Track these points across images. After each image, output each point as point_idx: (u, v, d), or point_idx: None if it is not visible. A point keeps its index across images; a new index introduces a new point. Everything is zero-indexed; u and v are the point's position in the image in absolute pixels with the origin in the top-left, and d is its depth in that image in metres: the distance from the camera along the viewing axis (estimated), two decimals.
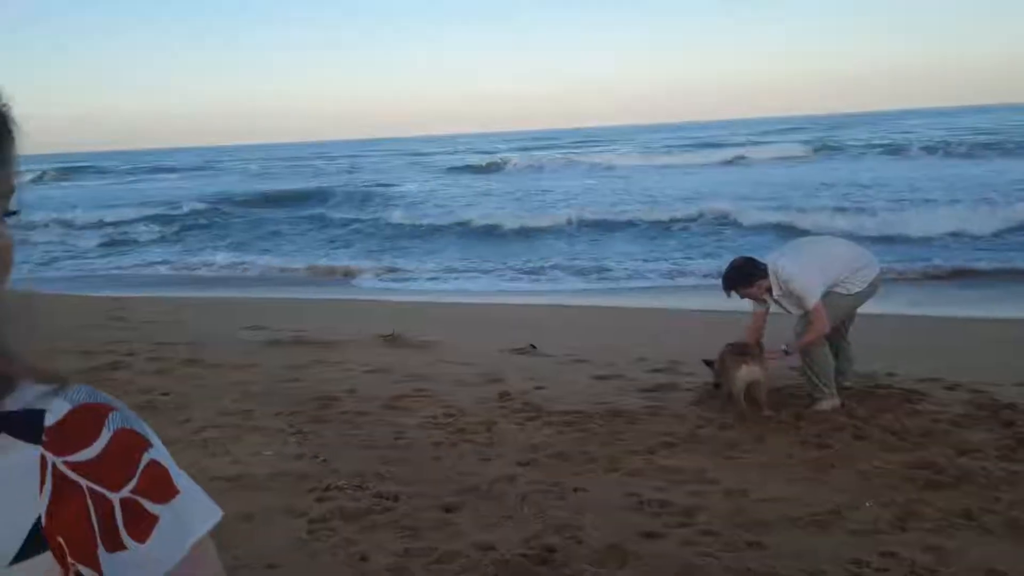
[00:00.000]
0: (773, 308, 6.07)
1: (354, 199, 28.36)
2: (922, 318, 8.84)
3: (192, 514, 0.78)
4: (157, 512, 0.75)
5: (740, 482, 4.62)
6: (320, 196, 29.24)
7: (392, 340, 8.60)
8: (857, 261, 6.04)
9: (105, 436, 0.75)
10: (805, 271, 5.84)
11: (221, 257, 18.11)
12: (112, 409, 0.77)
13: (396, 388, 6.71)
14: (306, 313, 11.16)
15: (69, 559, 0.72)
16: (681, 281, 13.24)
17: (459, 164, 44.46)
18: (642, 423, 5.68)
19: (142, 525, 0.75)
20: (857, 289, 5.97)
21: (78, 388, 0.77)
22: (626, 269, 14.34)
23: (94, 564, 0.72)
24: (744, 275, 6.02)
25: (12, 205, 0.80)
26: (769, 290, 5.94)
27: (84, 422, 0.75)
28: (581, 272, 14.40)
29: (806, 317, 5.90)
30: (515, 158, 43.22)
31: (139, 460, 0.76)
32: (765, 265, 5.96)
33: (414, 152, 67.24)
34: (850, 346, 6.32)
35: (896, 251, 13.45)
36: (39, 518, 0.71)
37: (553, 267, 14.99)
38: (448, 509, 4.37)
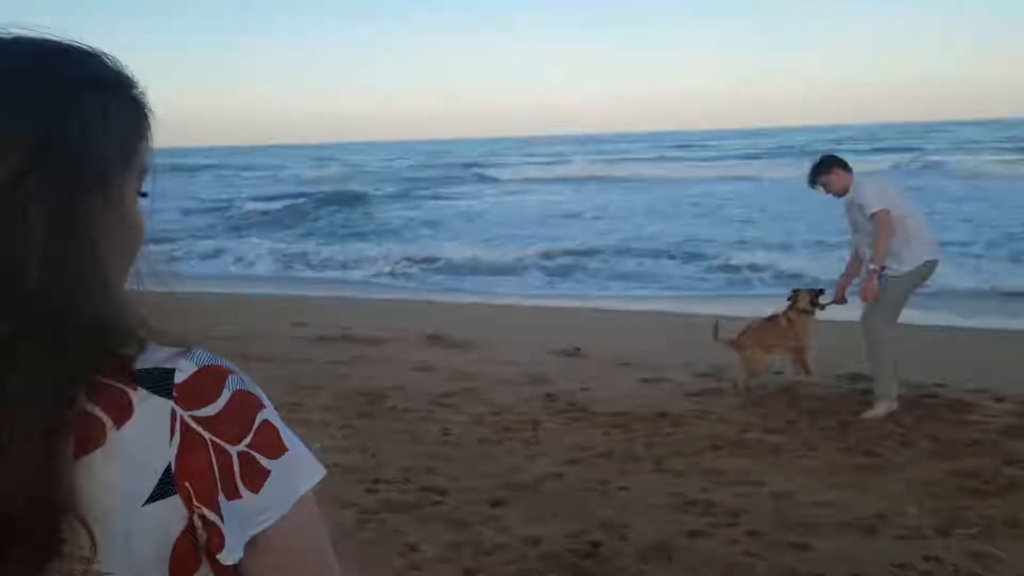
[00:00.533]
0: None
1: None
2: (971, 330, 8.80)
3: (299, 470, 0.86)
4: (269, 467, 0.84)
5: (786, 486, 4.66)
6: None
7: (438, 339, 8.73)
8: (922, 234, 6.08)
9: (225, 395, 0.83)
10: (876, 189, 6.09)
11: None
12: (231, 372, 0.86)
13: (442, 386, 6.83)
14: (352, 311, 11.32)
15: (194, 502, 0.80)
16: None
17: None
18: (688, 426, 5.73)
19: (256, 477, 0.83)
20: (908, 268, 5.96)
21: (200, 352, 0.86)
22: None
23: (215, 508, 0.81)
24: (827, 161, 6.29)
25: (143, 186, 0.90)
26: (845, 190, 6.14)
27: (207, 381, 0.83)
28: None
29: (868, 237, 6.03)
30: None
31: (254, 419, 0.84)
32: (850, 168, 6.24)
33: None
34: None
35: None
36: (169, 464, 0.79)
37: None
38: (495, 504, 4.46)
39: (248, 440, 0.83)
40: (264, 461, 0.83)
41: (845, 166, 6.26)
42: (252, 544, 0.83)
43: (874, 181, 6.37)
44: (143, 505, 0.78)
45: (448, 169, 48.10)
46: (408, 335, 8.87)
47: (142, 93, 0.89)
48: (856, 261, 6.36)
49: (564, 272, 15.32)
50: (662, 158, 50.16)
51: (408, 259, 16.62)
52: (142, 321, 0.83)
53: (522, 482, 4.74)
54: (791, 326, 6.57)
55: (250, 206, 28.74)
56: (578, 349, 8.25)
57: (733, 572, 3.65)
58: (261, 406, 0.85)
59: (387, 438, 5.46)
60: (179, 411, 0.81)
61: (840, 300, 6.53)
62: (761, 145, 61.03)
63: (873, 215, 5.92)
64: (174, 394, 0.81)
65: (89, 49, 0.86)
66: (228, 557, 0.81)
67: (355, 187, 34.43)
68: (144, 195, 0.90)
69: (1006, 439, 5.33)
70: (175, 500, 0.79)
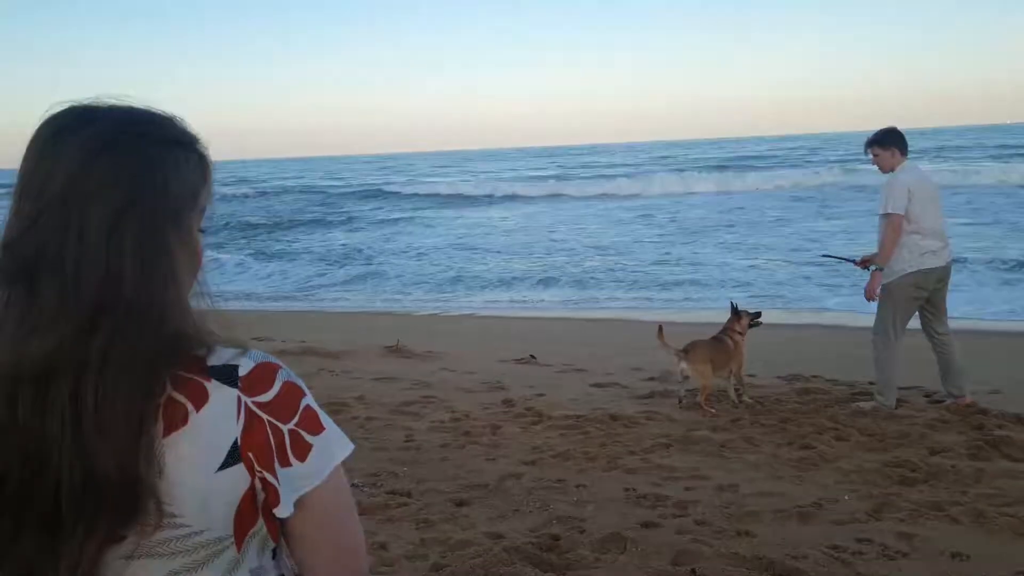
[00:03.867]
0: None
1: None
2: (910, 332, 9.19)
3: (334, 445, 1.12)
4: (312, 441, 1.09)
5: (730, 479, 4.97)
6: None
7: (396, 351, 8.94)
8: (922, 242, 6.20)
9: (277, 385, 1.09)
10: (900, 188, 6.17)
11: None
12: (280, 367, 1.11)
13: (403, 395, 7.06)
14: (312, 325, 11.47)
15: (256, 468, 1.05)
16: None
17: None
18: (638, 427, 6.04)
19: (302, 450, 1.08)
20: (892, 277, 6.21)
21: (255, 351, 1.11)
22: None
23: (273, 473, 1.06)
24: (886, 134, 6.40)
25: (203, 223, 1.16)
26: (890, 169, 6.32)
27: (263, 374, 1.08)
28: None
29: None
30: None
31: (299, 404, 1.10)
32: (906, 152, 6.37)
33: None
34: (948, 348, 6.37)
35: None
36: (236, 439, 1.04)
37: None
38: (459, 504, 4.70)
39: (296, 420, 1.09)
40: (308, 437, 1.09)
41: (901, 144, 6.33)
42: (299, 504, 1.09)
43: (907, 177, 6.25)
44: (216, 471, 1.03)
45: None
46: (368, 347, 9.08)
47: (205, 147, 1.15)
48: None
49: (516, 284, 15.64)
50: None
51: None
52: (208, 328, 1.09)
53: (484, 482, 4.99)
54: (736, 348, 6.77)
55: None
56: (533, 357, 8.54)
57: (682, 558, 3.93)
58: (303, 394, 1.12)
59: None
60: (243, 398, 1.06)
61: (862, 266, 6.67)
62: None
63: (883, 215, 6.17)
64: (239, 384, 1.06)
65: (166, 114, 1.12)
66: (282, 511, 1.08)
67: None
68: (203, 231, 1.15)
69: (932, 432, 5.72)
70: (240, 468, 1.05)
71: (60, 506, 0.98)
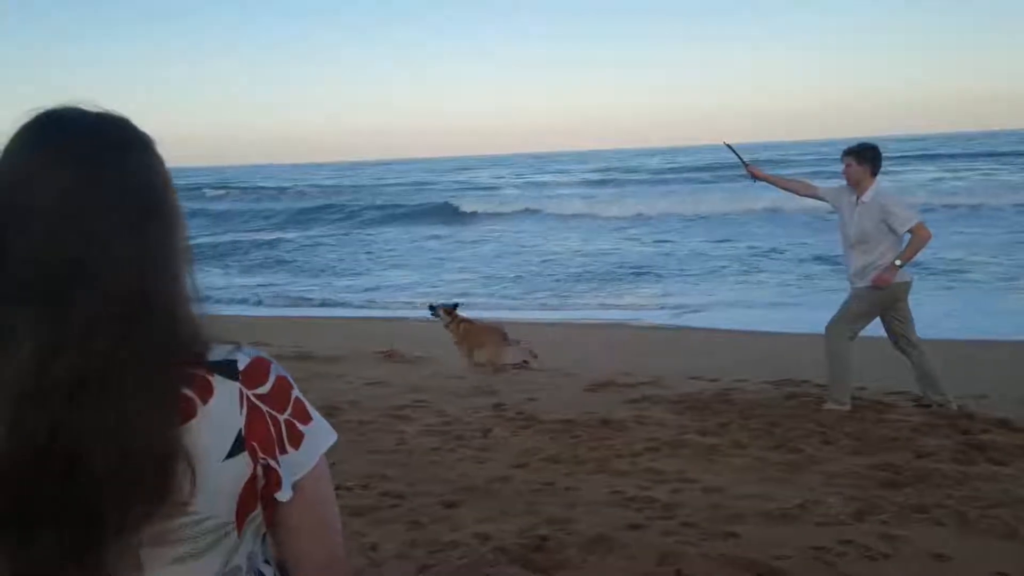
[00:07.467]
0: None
1: None
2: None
3: (321, 435, 1.19)
4: (303, 431, 1.16)
5: (717, 482, 5.03)
6: None
7: (390, 356, 9.01)
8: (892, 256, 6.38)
9: (272, 378, 1.15)
10: (906, 203, 6.52)
11: None
12: (271, 362, 1.18)
13: (396, 399, 7.12)
14: (306, 331, 11.53)
15: (260, 455, 1.11)
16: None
17: None
18: (628, 430, 6.09)
19: (296, 439, 1.15)
20: (865, 286, 6.38)
21: (247, 347, 1.17)
22: None
23: (275, 459, 1.13)
24: (867, 150, 6.50)
25: None
26: (856, 181, 6.45)
27: (259, 369, 1.15)
28: None
29: (871, 247, 6.37)
30: None
31: (290, 396, 1.16)
32: (879, 166, 6.52)
33: None
34: (923, 356, 6.49)
35: None
36: (240, 429, 1.10)
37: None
38: (449, 505, 4.75)
39: (289, 411, 1.15)
40: (300, 426, 1.16)
41: (877, 163, 6.48)
42: (293, 488, 1.15)
43: (899, 195, 6.64)
44: (223, 460, 1.09)
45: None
46: (361, 353, 9.14)
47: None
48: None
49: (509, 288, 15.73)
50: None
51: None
52: (203, 326, 1.15)
53: (473, 485, 5.04)
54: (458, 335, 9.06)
55: None
56: (525, 362, 8.60)
57: (668, 558, 3.98)
58: (293, 387, 1.18)
59: (345, 449, 5.72)
60: (244, 390, 1.12)
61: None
62: None
63: (910, 230, 6.28)
64: (240, 378, 1.12)
65: (125, 117, 1.14)
66: (283, 495, 1.14)
67: None
68: None
69: (919, 435, 5.78)
70: (244, 456, 1.11)
71: (87, 502, 1.01)
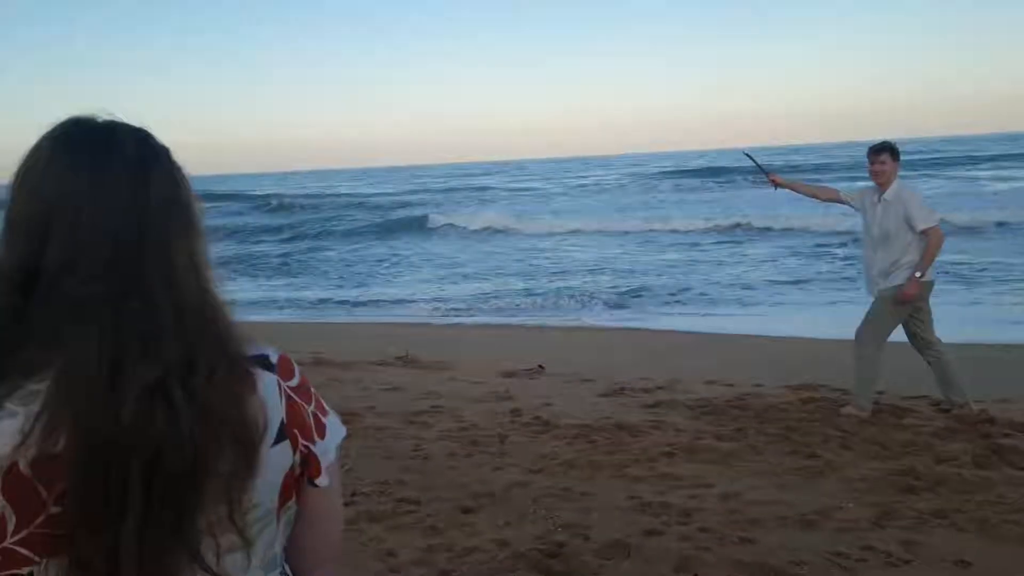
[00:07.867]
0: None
1: None
2: (907, 344, 9.20)
3: (336, 427, 1.24)
4: (325, 422, 1.22)
5: (734, 487, 5.01)
6: None
7: (406, 361, 9.02)
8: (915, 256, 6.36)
9: (297, 374, 1.20)
10: (925, 203, 6.42)
11: None
12: (292, 359, 1.22)
13: (413, 405, 7.13)
14: (322, 336, 11.57)
15: (301, 441, 1.16)
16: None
17: None
18: (644, 436, 6.08)
19: (321, 429, 1.20)
20: (891, 286, 6.36)
21: (271, 347, 1.21)
22: None
23: (313, 445, 1.18)
24: (895, 147, 6.51)
25: None
26: (887, 179, 6.42)
27: (287, 364, 1.19)
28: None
29: (894, 244, 6.35)
30: None
31: (311, 391, 1.22)
32: (897, 159, 6.49)
33: None
34: (934, 353, 6.50)
35: None
36: (282, 419, 1.15)
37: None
38: (466, 511, 4.76)
39: (313, 404, 1.21)
40: (323, 418, 1.22)
41: (896, 156, 6.48)
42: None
43: (918, 193, 6.57)
44: (270, 448, 1.13)
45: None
46: (378, 358, 9.17)
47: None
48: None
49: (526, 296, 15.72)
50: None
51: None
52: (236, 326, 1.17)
53: (490, 491, 5.04)
54: None
55: None
56: (542, 367, 8.60)
57: (685, 564, 3.98)
58: (310, 383, 1.23)
59: (362, 454, 5.74)
60: (281, 382, 1.17)
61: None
62: None
63: (924, 231, 6.27)
64: (276, 372, 1.17)
65: (146, 128, 1.15)
66: (323, 481, 1.20)
67: None
68: None
69: (938, 440, 5.74)
70: (287, 443, 1.16)
71: (169, 497, 1.02)
